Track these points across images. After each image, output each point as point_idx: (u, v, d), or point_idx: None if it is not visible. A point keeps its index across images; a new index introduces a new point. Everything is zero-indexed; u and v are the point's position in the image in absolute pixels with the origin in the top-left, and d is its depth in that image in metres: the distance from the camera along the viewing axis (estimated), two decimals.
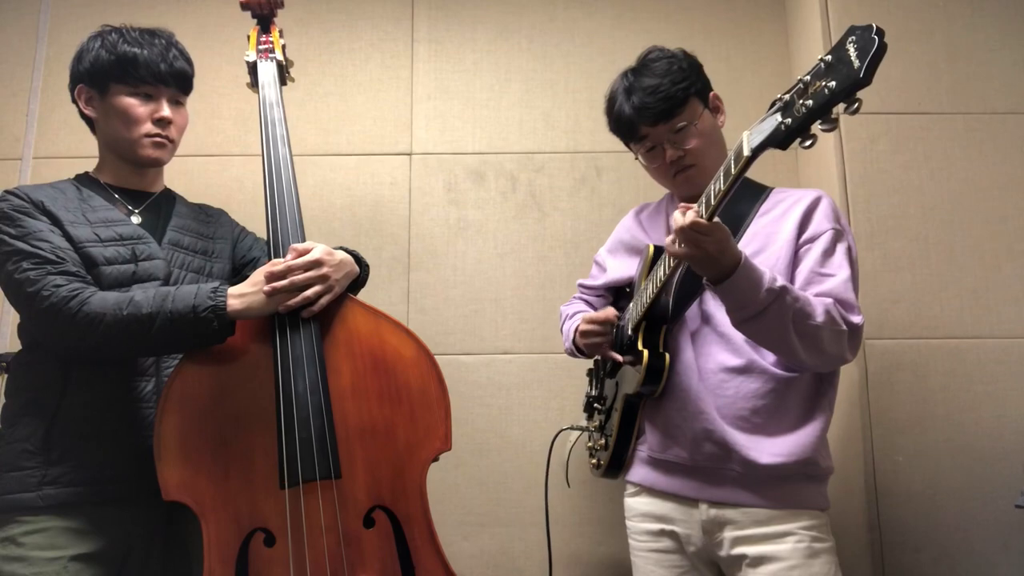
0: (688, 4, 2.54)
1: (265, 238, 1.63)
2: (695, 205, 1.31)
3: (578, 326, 1.68)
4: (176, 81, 1.62)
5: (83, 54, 1.60)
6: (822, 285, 1.44)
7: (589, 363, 1.93)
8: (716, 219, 1.29)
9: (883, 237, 2.05)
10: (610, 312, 1.63)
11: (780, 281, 1.35)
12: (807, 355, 1.39)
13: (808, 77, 1.04)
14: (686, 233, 1.29)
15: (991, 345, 1.98)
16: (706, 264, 1.33)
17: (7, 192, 1.51)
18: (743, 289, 1.33)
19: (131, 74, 1.56)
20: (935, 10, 2.18)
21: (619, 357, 1.61)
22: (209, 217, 1.79)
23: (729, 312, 1.40)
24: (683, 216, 1.30)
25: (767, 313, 1.34)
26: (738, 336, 1.47)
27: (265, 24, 1.89)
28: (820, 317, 1.37)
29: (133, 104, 1.58)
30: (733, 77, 2.46)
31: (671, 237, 1.34)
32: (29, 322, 1.51)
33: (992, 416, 1.93)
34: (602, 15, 2.55)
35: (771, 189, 1.63)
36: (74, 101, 1.64)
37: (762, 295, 1.33)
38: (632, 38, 2.48)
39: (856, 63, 0.96)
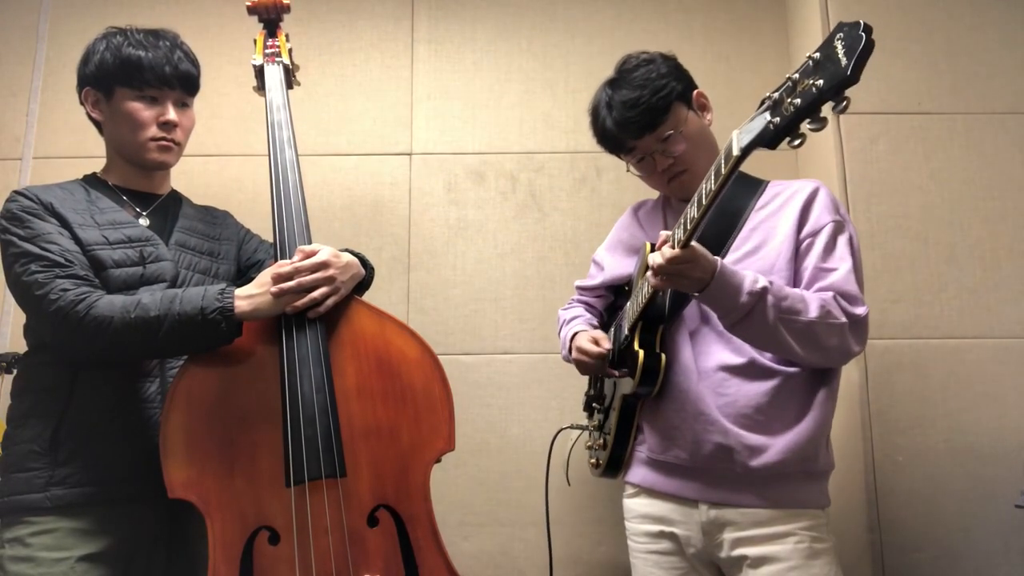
0: (688, 4, 2.54)
1: (271, 240, 1.63)
2: (668, 233, 1.33)
3: (574, 340, 1.68)
4: (181, 83, 1.61)
5: (89, 57, 1.60)
6: (825, 280, 1.44)
7: None
8: (692, 243, 1.30)
9: (883, 237, 2.05)
10: (603, 346, 1.61)
11: (763, 282, 1.36)
12: (805, 352, 1.40)
13: (797, 75, 1.03)
14: (665, 270, 1.31)
15: (991, 345, 1.98)
16: (687, 285, 1.35)
17: (16, 193, 1.51)
18: (724, 295, 1.35)
19: (136, 77, 1.56)
20: (935, 10, 2.19)
21: (616, 372, 1.61)
22: (215, 219, 1.79)
23: (719, 319, 1.42)
24: (652, 260, 1.32)
25: (753, 315, 1.35)
26: None
27: (272, 28, 1.89)
28: (813, 312, 1.37)
29: (138, 108, 1.58)
30: (733, 77, 2.46)
31: (648, 272, 1.36)
32: (37, 325, 1.51)
33: (992, 416, 1.94)
34: (602, 15, 2.55)
35: (767, 182, 1.63)
36: (82, 103, 1.63)
37: (743, 299, 1.34)
38: (632, 38, 2.48)
39: (843, 61, 0.95)
